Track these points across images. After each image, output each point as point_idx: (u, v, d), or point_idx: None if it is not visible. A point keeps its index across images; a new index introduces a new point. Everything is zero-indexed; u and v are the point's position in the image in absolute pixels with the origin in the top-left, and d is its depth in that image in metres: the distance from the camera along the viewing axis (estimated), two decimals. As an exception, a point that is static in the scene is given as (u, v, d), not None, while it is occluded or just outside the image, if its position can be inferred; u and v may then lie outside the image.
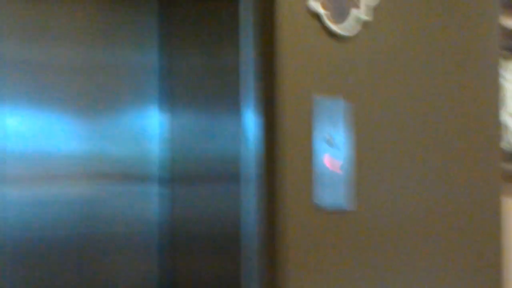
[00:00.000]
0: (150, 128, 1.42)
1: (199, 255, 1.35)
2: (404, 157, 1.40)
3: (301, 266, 1.19)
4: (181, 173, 1.38)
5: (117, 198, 1.35)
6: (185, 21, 1.42)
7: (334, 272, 1.25)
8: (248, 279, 1.19)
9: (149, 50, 1.43)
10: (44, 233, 1.25)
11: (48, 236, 1.27)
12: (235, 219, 1.21)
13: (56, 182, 1.28)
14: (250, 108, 1.20)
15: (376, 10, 1.33)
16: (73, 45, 1.32)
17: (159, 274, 1.42)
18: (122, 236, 1.37)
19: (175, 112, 1.41)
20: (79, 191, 1.30)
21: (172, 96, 1.42)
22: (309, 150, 1.22)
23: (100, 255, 1.34)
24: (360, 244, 1.30)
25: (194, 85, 1.38)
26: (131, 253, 1.38)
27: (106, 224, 1.34)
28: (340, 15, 1.26)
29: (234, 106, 1.23)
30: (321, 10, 1.24)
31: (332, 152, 1.24)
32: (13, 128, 1.23)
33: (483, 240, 1.57)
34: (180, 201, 1.38)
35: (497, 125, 1.65)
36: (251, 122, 1.19)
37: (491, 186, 1.61)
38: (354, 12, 1.28)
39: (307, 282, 1.20)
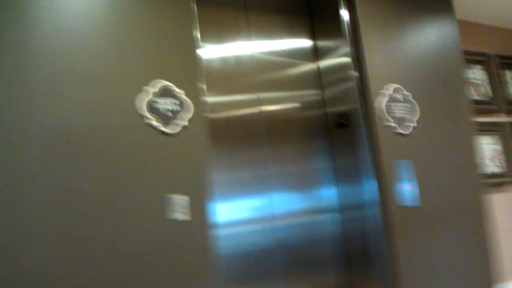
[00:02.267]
0: (333, 194, 3.12)
1: (358, 226, 3.02)
2: (440, 179, 3.10)
3: (401, 230, 2.87)
4: (345, 207, 3.07)
5: (323, 220, 3.04)
6: (340, 154, 3.17)
7: (413, 231, 2.93)
8: (380, 234, 2.86)
9: (329, 164, 3.11)
10: (291, 239, 2.91)
11: (294, 239, 2.92)
12: (374, 215, 2.90)
13: (298, 217, 2.96)
14: (373, 177, 2.90)
15: (418, 121, 3.08)
16: (301, 165, 3.02)
17: (343, 245, 3.07)
18: (327, 236, 3.03)
19: (340, 186, 3.11)
20: (301, 220, 2.98)
21: (339, 179, 3.13)
22: (400, 184, 2.92)
23: (317, 245, 2.97)
24: (423, 218, 2.98)
25: (346, 175, 3.10)
26: (332, 242, 3.03)
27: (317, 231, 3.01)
28: (405, 126, 3.00)
29: (365, 180, 2.94)
30: (394, 125, 2.97)
31: (410, 183, 2.94)
32: (276, 200, 2.93)
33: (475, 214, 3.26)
34: (346, 219, 3.08)
35: (477, 164, 3.37)
36: (374, 183, 2.89)
37: (479, 188, 3.31)
38: (411, 125, 3.02)
39: (403, 233, 2.88)
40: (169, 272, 2.15)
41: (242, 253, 2.69)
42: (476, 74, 4.12)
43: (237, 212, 2.72)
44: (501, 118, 4.26)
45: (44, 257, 1.91)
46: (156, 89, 2.27)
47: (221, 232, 2.63)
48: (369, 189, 2.87)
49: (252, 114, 2.91)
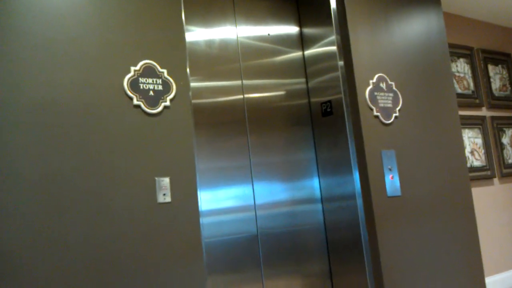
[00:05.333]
0: (315, 184, 3.11)
1: (339, 217, 3.03)
2: (423, 170, 3.11)
3: (382, 219, 2.88)
4: (327, 198, 3.08)
5: (305, 210, 3.04)
6: (323, 144, 3.16)
7: (395, 221, 2.94)
8: (361, 224, 2.86)
9: (311, 154, 3.12)
10: (272, 229, 2.91)
11: (275, 229, 2.92)
12: (356, 205, 2.90)
13: (279, 207, 2.95)
14: (355, 167, 2.90)
15: (400, 110, 3.09)
16: (283, 155, 3.01)
17: (324, 235, 3.07)
18: (308, 226, 3.03)
19: (322, 177, 3.11)
20: (287, 208, 2.98)
21: (321, 170, 3.13)
22: (382, 174, 2.93)
23: (298, 234, 2.98)
24: (405, 209, 3.00)
25: (329, 166, 3.10)
26: (313, 231, 3.03)
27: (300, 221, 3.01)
28: (387, 115, 3.01)
29: (347, 171, 2.94)
30: (377, 114, 2.98)
31: (391, 173, 2.95)
32: (258, 189, 2.91)
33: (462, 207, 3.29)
34: (328, 209, 3.08)
35: (463, 156, 3.40)
36: (355, 175, 2.89)
37: (464, 181, 3.33)
38: (393, 114, 3.04)
39: (384, 223, 2.89)
40: (155, 253, 2.13)
41: (223, 242, 2.68)
42: (460, 67, 4.15)
43: (219, 201, 2.70)
44: (483, 112, 4.30)
45: (27, 237, 1.87)
46: (138, 67, 2.24)
47: (203, 220, 2.61)
48: (351, 180, 2.86)
49: (236, 101, 2.88)
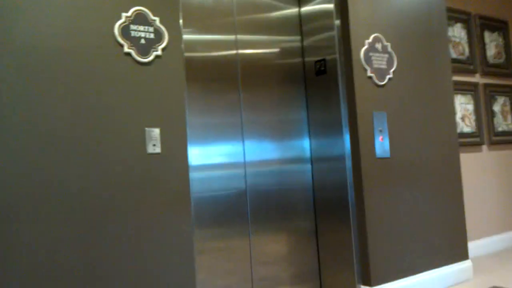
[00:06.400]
0: (305, 144, 3.10)
1: (327, 177, 3.04)
2: (413, 133, 3.12)
3: (370, 180, 2.90)
4: (316, 158, 3.08)
5: (293, 170, 3.05)
6: (315, 104, 3.13)
7: (382, 182, 2.96)
8: (348, 184, 2.88)
9: (303, 113, 3.10)
10: (261, 186, 2.92)
11: (264, 186, 2.93)
12: (345, 166, 2.91)
13: (268, 165, 2.95)
14: (346, 128, 2.89)
15: (394, 72, 3.07)
16: (274, 114, 2.99)
17: (311, 194, 3.09)
18: (296, 185, 3.04)
19: (313, 137, 3.10)
20: (277, 167, 2.98)
21: (312, 130, 3.12)
22: (372, 135, 2.93)
23: (286, 193, 2.99)
24: (392, 171, 3.01)
25: (320, 126, 3.09)
26: (301, 190, 3.05)
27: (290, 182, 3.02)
28: (381, 77, 2.99)
29: (337, 131, 2.93)
30: (371, 74, 2.95)
31: (382, 134, 2.95)
32: (248, 146, 2.90)
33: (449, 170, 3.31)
34: (317, 169, 3.08)
35: (453, 122, 3.40)
36: (346, 136, 2.88)
37: (453, 146, 3.35)
38: (387, 76, 3.01)
39: (371, 184, 2.91)
40: (144, 202, 2.13)
41: (213, 197, 2.69)
42: (456, 32, 4.11)
43: (209, 157, 2.70)
44: (476, 79, 4.29)
45: (16, 190, 1.85)
46: (130, 13, 2.18)
47: (192, 175, 2.60)
48: (341, 141, 2.86)
49: (229, 56, 2.84)
